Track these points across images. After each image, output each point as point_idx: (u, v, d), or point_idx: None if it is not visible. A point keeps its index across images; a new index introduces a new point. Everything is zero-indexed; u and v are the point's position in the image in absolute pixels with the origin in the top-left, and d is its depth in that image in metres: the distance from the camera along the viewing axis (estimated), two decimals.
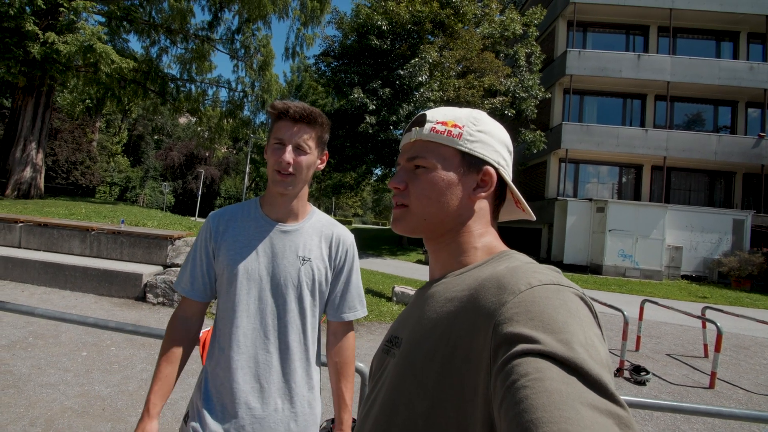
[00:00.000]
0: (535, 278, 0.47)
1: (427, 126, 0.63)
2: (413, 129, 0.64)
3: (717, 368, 4.20)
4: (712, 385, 4.17)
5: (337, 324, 1.23)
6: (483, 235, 0.62)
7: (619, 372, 4.34)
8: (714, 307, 5.61)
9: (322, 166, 1.18)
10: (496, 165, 0.62)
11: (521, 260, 0.56)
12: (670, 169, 16.29)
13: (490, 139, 0.63)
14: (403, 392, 0.54)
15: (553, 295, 0.44)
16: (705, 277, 14.04)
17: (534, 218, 0.70)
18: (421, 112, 0.66)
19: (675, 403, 1.71)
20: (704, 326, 5.39)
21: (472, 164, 0.62)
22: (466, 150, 0.61)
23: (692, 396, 3.98)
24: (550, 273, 0.49)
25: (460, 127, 0.62)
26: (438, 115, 0.64)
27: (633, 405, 1.65)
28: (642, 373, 4.20)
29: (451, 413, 0.48)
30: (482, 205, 0.63)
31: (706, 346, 5.35)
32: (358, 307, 1.25)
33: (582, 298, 0.46)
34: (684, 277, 14.03)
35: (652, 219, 13.60)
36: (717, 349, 4.13)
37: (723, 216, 14.45)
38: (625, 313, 4.40)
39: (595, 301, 5.10)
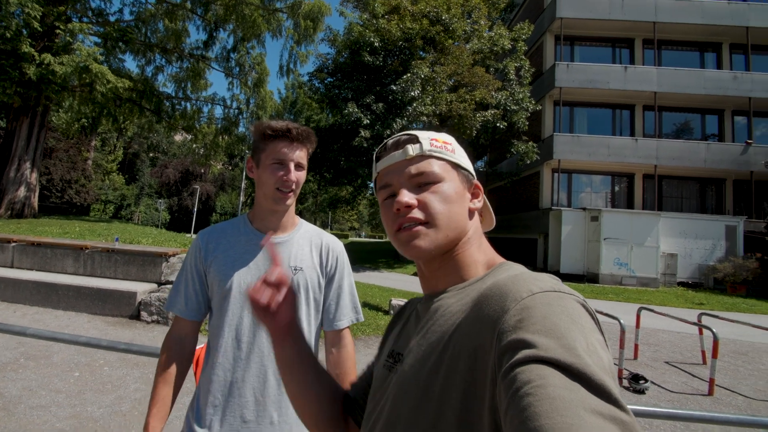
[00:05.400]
0: (537, 285, 0.47)
1: (425, 141, 0.63)
2: (407, 146, 0.63)
3: (715, 375, 4.20)
4: (711, 392, 4.16)
5: (334, 333, 1.22)
6: (481, 247, 0.64)
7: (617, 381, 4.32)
8: (710, 313, 5.63)
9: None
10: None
11: (521, 270, 0.57)
12: (661, 178, 16.52)
13: (467, 158, 0.68)
14: (407, 407, 0.53)
15: (555, 301, 0.44)
16: (701, 284, 14.09)
17: (493, 226, 0.71)
18: (404, 134, 0.65)
19: (669, 410, 1.72)
20: (701, 333, 5.38)
21: (467, 177, 0.65)
22: (462, 163, 0.65)
23: (691, 403, 3.96)
24: (550, 280, 0.49)
25: (450, 144, 0.65)
26: (427, 134, 0.65)
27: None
28: (641, 382, 4.19)
29: (455, 425, 0.47)
30: (476, 218, 0.66)
31: (704, 352, 5.34)
32: (352, 313, 1.24)
33: (583, 305, 0.46)
34: (680, 284, 14.07)
35: (646, 227, 13.71)
36: (714, 355, 4.13)
37: (716, 222, 14.60)
38: (622, 321, 4.40)
39: None
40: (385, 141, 0.67)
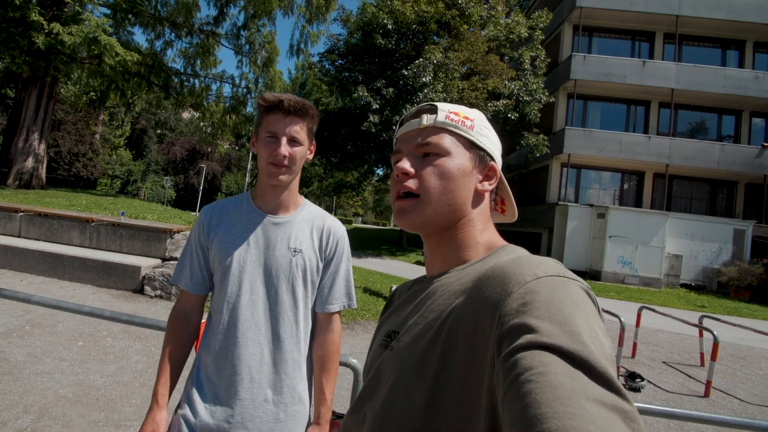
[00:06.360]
0: (541, 269, 0.46)
1: (441, 113, 0.62)
2: (423, 116, 0.63)
3: (712, 377, 4.19)
4: (707, 394, 4.16)
5: (323, 316, 1.21)
6: (484, 230, 0.63)
7: None
8: (711, 316, 5.60)
9: (311, 157, 1.19)
10: (498, 162, 0.65)
11: (524, 252, 0.57)
12: (672, 177, 16.26)
13: (493, 138, 0.66)
14: (401, 384, 0.53)
15: (559, 286, 0.43)
16: (704, 287, 14.01)
17: (515, 219, 0.71)
18: (427, 104, 0.65)
19: (666, 409, 1.71)
20: (701, 335, 5.38)
21: (481, 157, 0.63)
22: (478, 142, 0.63)
23: (686, 404, 3.97)
24: (554, 265, 0.48)
25: (471, 120, 0.63)
26: (449, 106, 0.64)
27: None
28: (637, 380, 4.20)
29: (452, 404, 0.47)
30: (484, 200, 0.64)
31: (702, 354, 5.34)
32: (344, 299, 1.23)
33: (587, 292, 0.45)
34: (683, 285, 14.00)
35: (653, 226, 13.57)
36: (713, 357, 4.12)
37: (724, 225, 14.42)
38: (622, 319, 4.39)
39: None
40: (412, 109, 0.67)
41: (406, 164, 0.60)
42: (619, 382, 0.35)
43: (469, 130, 0.62)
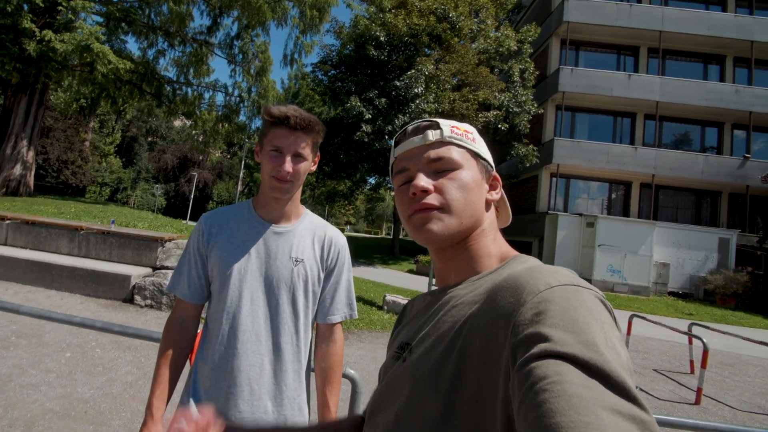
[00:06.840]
0: (554, 278, 0.46)
1: (445, 128, 0.62)
2: (427, 132, 0.62)
3: (703, 384, 4.24)
4: (698, 402, 4.20)
5: (325, 327, 1.20)
6: (495, 240, 0.63)
7: None
8: (700, 323, 5.69)
9: (314, 168, 1.19)
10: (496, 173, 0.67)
11: (537, 262, 0.57)
12: (658, 187, 16.63)
13: (487, 150, 0.67)
14: (415, 395, 0.53)
15: (573, 295, 0.43)
16: (691, 294, 14.24)
17: (508, 223, 0.71)
18: (424, 120, 0.65)
19: (663, 417, 1.74)
20: (690, 342, 5.44)
21: (486, 168, 0.64)
22: (482, 154, 0.64)
23: (678, 412, 4.01)
24: (568, 274, 0.48)
25: (471, 133, 0.65)
26: (449, 121, 0.64)
27: None
28: None
29: (466, 415, 0.47)
30: (492, 210, 0.65)
31: (692, 362, 5.41)
32: (346, 309, 1.22)
33: (602, 301, 0.45)
34: (671, 293, 14.22)
35: (641, 235, 13.82)
36: (703, 365, 4.18)
37: (709, 234, 14.74)
38: None
39: None
40: (405, 126, 0.66)
41: (423, 181, 0.59)
42: (637, 391, 0.35)
43: (472, 142, 0.63)
